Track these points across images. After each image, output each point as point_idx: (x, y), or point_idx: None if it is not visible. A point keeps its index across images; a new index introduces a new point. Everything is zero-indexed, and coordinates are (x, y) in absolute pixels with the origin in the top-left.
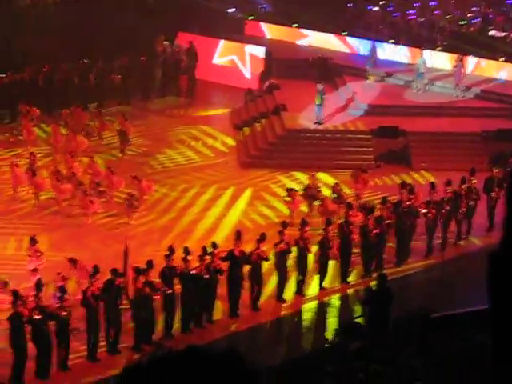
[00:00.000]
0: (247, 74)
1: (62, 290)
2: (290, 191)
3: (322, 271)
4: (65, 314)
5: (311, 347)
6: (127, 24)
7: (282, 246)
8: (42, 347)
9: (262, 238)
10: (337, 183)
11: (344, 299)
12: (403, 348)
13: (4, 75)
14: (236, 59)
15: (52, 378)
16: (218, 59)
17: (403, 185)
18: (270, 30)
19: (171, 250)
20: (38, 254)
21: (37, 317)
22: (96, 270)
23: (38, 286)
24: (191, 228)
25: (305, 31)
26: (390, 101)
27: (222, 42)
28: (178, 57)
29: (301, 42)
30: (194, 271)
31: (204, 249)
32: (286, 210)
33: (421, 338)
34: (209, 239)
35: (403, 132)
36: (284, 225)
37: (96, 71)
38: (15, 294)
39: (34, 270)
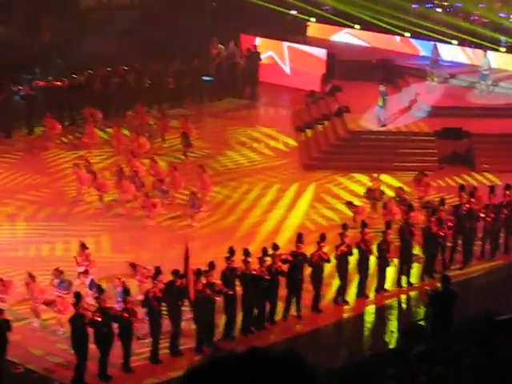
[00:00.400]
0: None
1: (125, 291)
2: (353, 206)
3: (382, 274)
4: (127, 315)
5: (373, 350)
6: (189, 27)
7: (343, 248)
8: (105, 349)
9: (322, 239)
10: (400, 186)
11: (406, 302)
12: (466, 350)
13: (64, 79)
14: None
15: (114, 380)
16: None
17: (462, 187)
18: (331, 32)
19: (232, 251)
20: (88, 261)
21: (98, 319)
22: (158, 271)
23: (100, 288)
24: (253, 230)
25: (367, 33)
26: (454, 102)
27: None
28: (233, 60)
29: (363, 44)
30: (254, 273)
31: (264, 250)
32: (347, 211)
33: (484, 340)
34: (270, 241)
35: (467, 133)
36: (345, 227)
37: (151, 74)
38: (77, 296)
39: (85, 272)
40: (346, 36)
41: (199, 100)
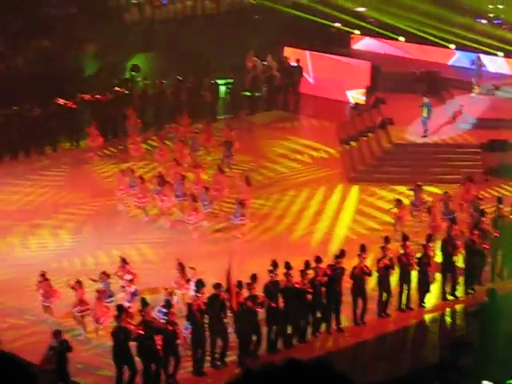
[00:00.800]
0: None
1: (167, 304)
2: (399, 202)
3: (423, 288)
4: (171, 328)
5: (416, 363)
6: (231, 40)
7: (385, 261)
8: (149, 362)
9: (363, 250)
10: (446, 192)
11: (450, 315)
12: None
13: (107, 92)
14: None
15: None
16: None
17: (500, 200)
18: (375, 44)
19: (275, 264)
20: (130, 275)
21: (141, 332)
22: (201, 283)
23: (144, 301)
24: (298, 242)
25: (412, 45)
26: (499, 114)
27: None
28: (271, 73)
29: (407, 56)
30: (297, 286)
31: (307, 263)
32: (391, 223)
33: None
34: (315, 253)
35: None
36: (387, 240)
37: (187, 88)
38: (120, 309)
39: (131, 281)
40: (390, 48)
41: (235, 114)
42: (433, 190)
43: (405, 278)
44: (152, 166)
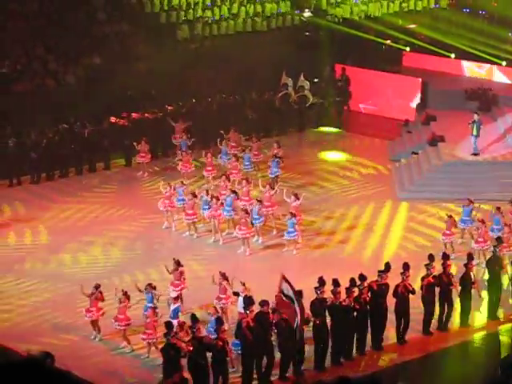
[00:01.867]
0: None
1: (218, 320)
2: (450, 217)
3: (464, 307)
4: (221, 344)
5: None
6: (281, 58)
7: (429, 279)
8: (199, 378)
9: (406, 269)
10: (498, 207)
11: (498, 334)
12: None
13: (156, 110)
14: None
15: None
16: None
17: None
18: (427, 61)
19: (322, 282)
20: (182, 278)
21: (190, 348)
22: (250, 300)
23: (194, 317)
24: (348, 259)
25: (463, 61)
26: None
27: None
28: (301, 92)
29: (459, 73)
30: (344, 303)
31: (352, 281)
32: (440, 241)
33: None
34: (364, 270)
35: None
36: (431, 258)
37: (230, 104)
38: (169, 325)
39: (176, 299)
40: (444, 65)
41: (267, 132)
42: (483, 207)
43: (445, 298)
44: (201, 182)
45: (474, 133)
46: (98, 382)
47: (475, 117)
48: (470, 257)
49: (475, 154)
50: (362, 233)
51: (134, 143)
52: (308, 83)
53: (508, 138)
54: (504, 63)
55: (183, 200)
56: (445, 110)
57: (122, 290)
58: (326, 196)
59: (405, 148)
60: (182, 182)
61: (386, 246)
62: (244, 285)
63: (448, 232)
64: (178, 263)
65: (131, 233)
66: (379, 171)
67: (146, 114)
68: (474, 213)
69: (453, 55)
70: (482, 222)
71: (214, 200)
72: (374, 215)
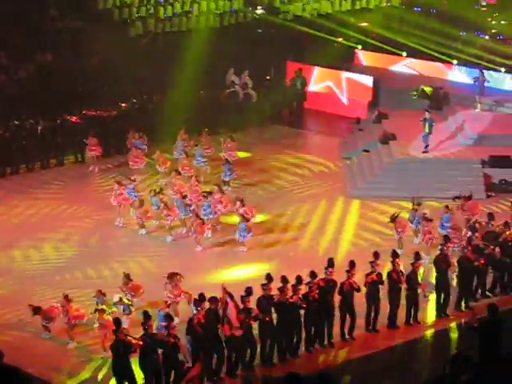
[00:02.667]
0: (344, 99)
1: (168, 317)
2: (397, 217)
3: (411, 305)
4: (173, 341)
5: (411, 380)
6: (233, 55)
7: (372, 276)
8: (151, 375)
9: (352, 267)
10: (446, 205)
11: (443, 333)
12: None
13: (111, 108)
14: (332, 85)
15: None
16: (314, 86)
17: (490, 216)
18: (376, 59)
19: (269, 278)
20: (132, 293)
21: (140, 343)
22: (202, 297)
23: (146, 314)
24: (299, 256)
25: (414, 60)
26: (502, 130)
27: (317, 69)
28: (246, 90)
29: (410, 71)
30: (290, 300)
31: (298, 278)
32: (392, 237)
33: None
34: (316, 267)
35: None
36: (376, 255)
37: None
38: (117, 322)
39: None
40: (395, 64)
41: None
42: (434, 205)
43: (393, 295)
44: (152, 180)
45: (426, 130)
46: (47, 378)
47: (426, 115)
48: (417, 256)
49: (426, 152)
50: (314, 230)
51: (84, 140)
52: (251, 81)
53: (459, 137)
54: (455, 62)
55: (134, 194)
56: (396, 108)
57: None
58: (277, 193)
59: (356, 146)
60: (130, 179)
61: (337, 243)
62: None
63: (400, 229)
64: (127, 277)
65: (83, 229)
66: (330, 169)
67: (99, 111)
68: (424, 211)
69: (404, 53)
70: (429, 220)
71: (162, 205)
72: (326, 213)
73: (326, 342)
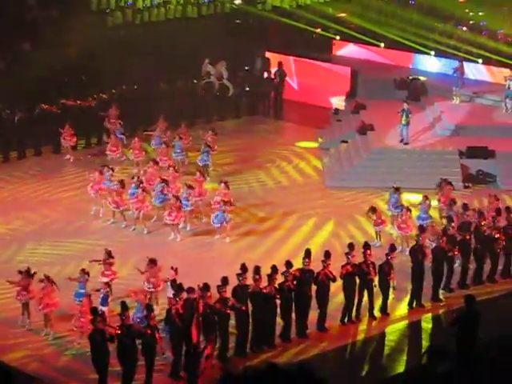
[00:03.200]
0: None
1: (148, 308)
2: (375, 210)
3: (384, 296)
4: (150, 332)
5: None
6: (211, 45)
7: (347, 267)
8: (129, 365)
9: (327, 257)
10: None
11: (417, 324)
12: (492, 372)
13: (90, 98)
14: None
15: None
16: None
17: (465, 207)
18: (357, 50)
19: (244, 268)
20: (111, 271)
21: (118, 331)
22: (179, 288)
23: (124, 305)
24: (277, 246)
25: (392, 51)
26: (479, 121)
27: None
28: (221, 81)
29: (388, 62)
30: (265, 291)
31: (274, 268)
32: (372, 230)
33: (509, 362)
34: (293, 258)
35: (492, 152)
36: (351, 247)
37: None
38: (94, 311)
39: (107, 284)
40: (371, 54)
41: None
42: (411, 195)
43: (365, 286)
44: (129, 169)
45: (404, 121)
46: (26, 369)
47: (404, 106)
48: (392, 247)
49: (405, 143)
50: (292, 221)
51: (60, 129)
52: (227, 72)
53: (436, 127)
54: (432, 53)
55: (110, 184)
56: (374, 99)
57: (83, 270)
58: (256, 184)
59: (334, 136)
60: (108, 167)
61: (315, 233)
62: (175, 270)
63: (379, 221)
64: (109, 254)
65: (61, 219)
66: (309, 159)
67: (79, 102)
68: (401, 200)
69: (382, 44)
70: (407, 208)
71: (140, 190)
72: (304, 203)
73: (302, 332)
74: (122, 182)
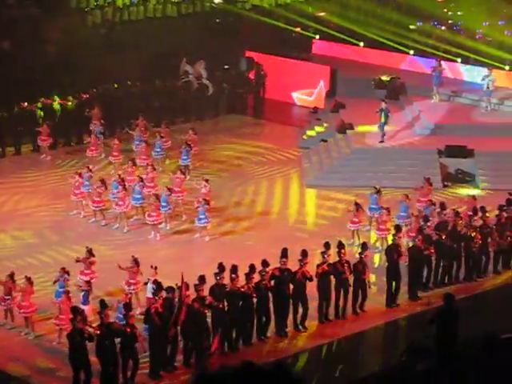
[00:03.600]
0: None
1: (126, 306)
2: (356, 206)
3: (357, 294)
4: (130, 330)
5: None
6: (191, 44)
7: (323, 267)
8: (107, 364)
9: (304, 256)
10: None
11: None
12: (471, 369)
13: (70, 97)
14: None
15: None
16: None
17: (442, 206)
18: (335, 49)
19: (221, 267)
20: (91, 269)
21: (97, 332)
22: (159, 286)
23: (103, 303)
24: (255, 245)
25: (371, 50)
26: (458, 120)
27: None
28: (200, 81)
29: (368, 61)
30: (242, 289)
31: (252, 267)
32: (349, 229)
33: (489, 359)
34: (271, 257)
35: (471, 152)
36: (327, 246)
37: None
38: (74, 311)
39: (87, 283)
40: (352, 54)
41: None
42: (390, 194)
43: (341, 286)
44: (108, 169)
45: (382, 120)
46: (5, 368)
47: (383, 105)
48: (364, 246)
49: (383, 142)
50: (271, 219)
51: (37, 128)
52: (206, 72)
53: (416, 126)
54: (411, 52)
55: (89, 188)
56: (354, 98)
57: (63, 269)
58: (235, 182)
59: (314, 135)
60: (88, 168)
61: (293, 232)
62: (155, 269)
63: (355, 220)
64: (90, 252)
65: (41, 218)
66: (289, 158)
67: (59, 101)
68: (381, 200)
69: (361, 43)
70: (387, 210)
71: (121, 187)
72: (283, 202)
73: (280, 331)
74: (103, 181)
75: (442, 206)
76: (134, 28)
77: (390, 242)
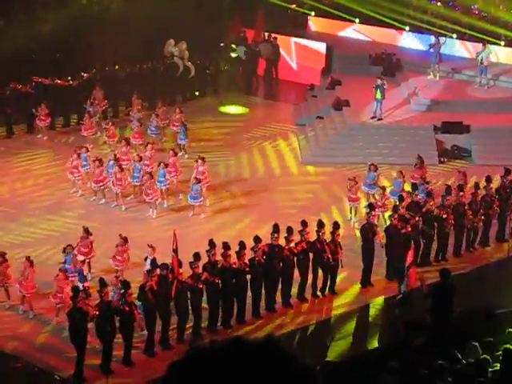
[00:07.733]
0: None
1: (125, 284)
2: (355, 182)
3: (333, 273)
4: (128, 309)
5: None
6: (189, 23)
7: (302, 245)
8: (108, 343)
9: (290, 232)
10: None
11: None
12: (467, 343)
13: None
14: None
15: (115, 373)
16: None
17: (414, 186)
18: (331, 26)
19: (212, 244)
20: (90, 248)
21: (97, 312)
22: (153, 264)
23: (103, 282)
24: (251, 222)
25: (367, 26)
26: (454, 96)
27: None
28: (185, 62)
29: (363, 37)
30: (234, 266)
31: (241, 243)
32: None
33: (485, 333)
34: (264, 234)
35: (467, 127)
36: (304, 224)
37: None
38: (75, 290)
39: (83, 262)
40: (348, 30)
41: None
42: (387, 171)
43: (318, 264)
44: (105, 149)
45: (378, 97)
46: (4, 348)
47: (378, 81)
48: (336, 225)
49: (378, 119)
50: (267, 197)
51: (33, 109)
52: (187, 53)
53: (412, 103)
54: (407, 28)
55: (88, 167)
56: (349, 75)
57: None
58: (231, 160)
59: (310, 112)
60: (85, 148)
61: (284, 209)
62: (152, 247)
63: (353, 196)
64: (87, 231)
65: (40, 199)
66: (285, 135)
67: (59, 81)
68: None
69: (357, 20)
70: (383, 188)
71: (117, 168)
72: (280, 179)
73: (271, 307)
74: (100, 161)
75: (414, 187)
76: (129, 6)
77: (387, 221)
